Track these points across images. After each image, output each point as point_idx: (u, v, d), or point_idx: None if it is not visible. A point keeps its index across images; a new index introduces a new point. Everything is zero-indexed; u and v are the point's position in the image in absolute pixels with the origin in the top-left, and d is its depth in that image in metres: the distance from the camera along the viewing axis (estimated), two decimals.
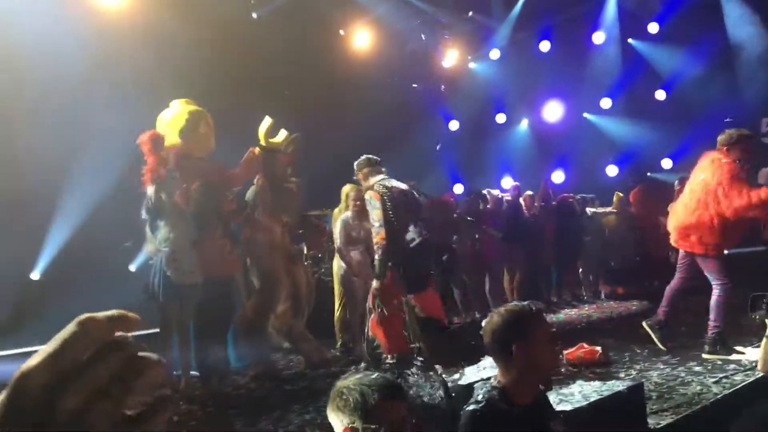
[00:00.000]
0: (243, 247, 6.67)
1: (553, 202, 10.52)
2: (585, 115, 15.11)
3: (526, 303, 2.53)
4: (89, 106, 8.35)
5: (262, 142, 7.50)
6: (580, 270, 10.87)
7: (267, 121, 7.46)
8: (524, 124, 15.20)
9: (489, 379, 2.64)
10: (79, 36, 7.86)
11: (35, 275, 8.57)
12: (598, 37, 14.31)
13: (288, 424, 4.81)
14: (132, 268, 8.69)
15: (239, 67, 9.19)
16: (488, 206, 9.46)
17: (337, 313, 7.18)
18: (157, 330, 6.30)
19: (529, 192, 10.44)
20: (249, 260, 6.68)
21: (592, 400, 3.74)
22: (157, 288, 5.92)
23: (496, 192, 9.97)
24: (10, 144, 7.85)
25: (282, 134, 7.74)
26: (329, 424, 2.00)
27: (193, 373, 6.17)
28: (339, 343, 7.12)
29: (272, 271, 6.41)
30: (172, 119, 7.51)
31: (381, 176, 5.71)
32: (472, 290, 9.49)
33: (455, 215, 8.90)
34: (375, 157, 5.92)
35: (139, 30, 8.65)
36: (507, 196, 9.96)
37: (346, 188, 7.12)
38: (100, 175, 7.98)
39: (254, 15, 10.29)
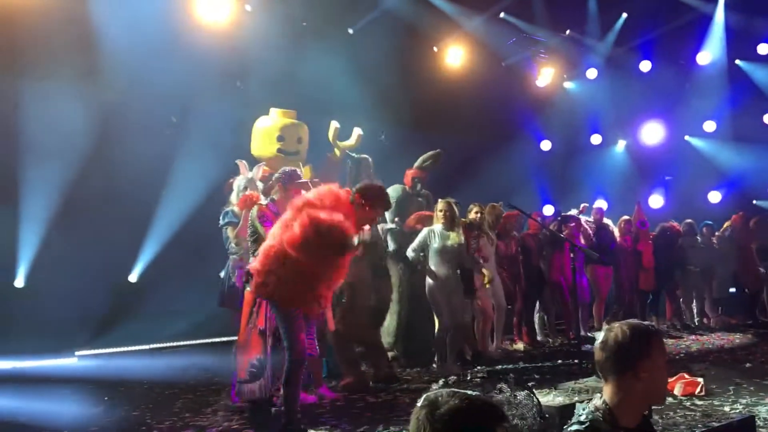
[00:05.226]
0: None
1: (654, 231, 10.21)
2: (687, 138, 14.47)
3: (647, 322, 2.40)
4: (191, 119, 8.66)
5: (335, 146, 7.56)
6: (681, 299, 10.41)
7: (333, 126, 7.52)
8: (621, 146, 14.70)
9: (591, 399, 2.46)
10: (183, 51, 8.17)
11: (132, 278, 8.86)
12: (703, 57, 13.67)
13: None
14: (222, 274, 8.87)
15: (331, 81, 9.29)
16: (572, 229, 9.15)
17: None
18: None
19: (625, 216, 10.10)
20: None
21: (698, 430, 3.48)
22: (226, 294, 5.92)
23: (573, 212, 9.58)
24: (114, 159, 8.19)
25: (354, 135, 7.75)
26: None
27: None
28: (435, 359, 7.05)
29: (355, 282, 6.40)
30: (269, 129, 7.69)
31: None
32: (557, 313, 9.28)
33: (545, 234, 8.69)
34: None
35: (238, 43, 8.92)
36: (588, 220, 9.65)
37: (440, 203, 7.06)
38: (195, 186, 8.22)
39: (350, 30, 10.43)
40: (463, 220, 7.34)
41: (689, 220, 10.50)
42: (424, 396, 1.83)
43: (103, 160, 8.16)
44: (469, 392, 1.83)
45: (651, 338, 2.31)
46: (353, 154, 7.39)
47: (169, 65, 8.00)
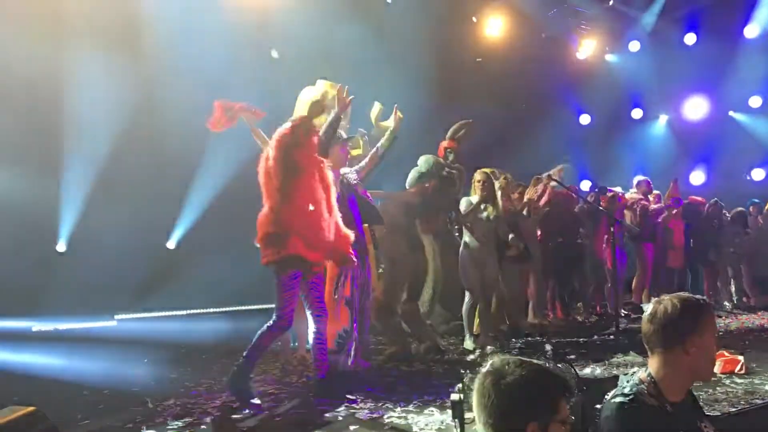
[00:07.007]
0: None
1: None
2: (731, 113, 14.09)
3: (698, 296, 2.33)
4: (229, 88, 8.67)
5: (376, 126, 7.52)
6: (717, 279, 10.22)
7: (376, 107, 7.49)
8: (662, 121, 14.39)
9: (635, 371, 2.42)
10: (222, 24, 8.18)
11: (171, 245, 8.98)
12: (751, 30, 13.25)
13: (408, 404, 4.74)
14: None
15: (368, 51, 9.21)
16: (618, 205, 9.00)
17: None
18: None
19: (656, 192, 9.91)
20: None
21: (741, 407, 3.42)
22: None
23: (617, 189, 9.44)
24: (154, 129, 8.25)
25: (394, 117, 7.72)
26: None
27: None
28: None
29: (394, 254, 6.38)
30: (311, 99, 7.68)
31: None
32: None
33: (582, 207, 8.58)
34: None
35: (275, 13, 8.87)
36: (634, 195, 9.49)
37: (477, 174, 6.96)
38: (233, 155, 8.24)
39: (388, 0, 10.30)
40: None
41: (740, 209, 10.27)
42: (490, 362, 1.83)
43: (143, 130, 8.23)
44: (536, 361, 1.85)
45: (701, 313, 2.25)
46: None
47: (208, 37, 8.02)
